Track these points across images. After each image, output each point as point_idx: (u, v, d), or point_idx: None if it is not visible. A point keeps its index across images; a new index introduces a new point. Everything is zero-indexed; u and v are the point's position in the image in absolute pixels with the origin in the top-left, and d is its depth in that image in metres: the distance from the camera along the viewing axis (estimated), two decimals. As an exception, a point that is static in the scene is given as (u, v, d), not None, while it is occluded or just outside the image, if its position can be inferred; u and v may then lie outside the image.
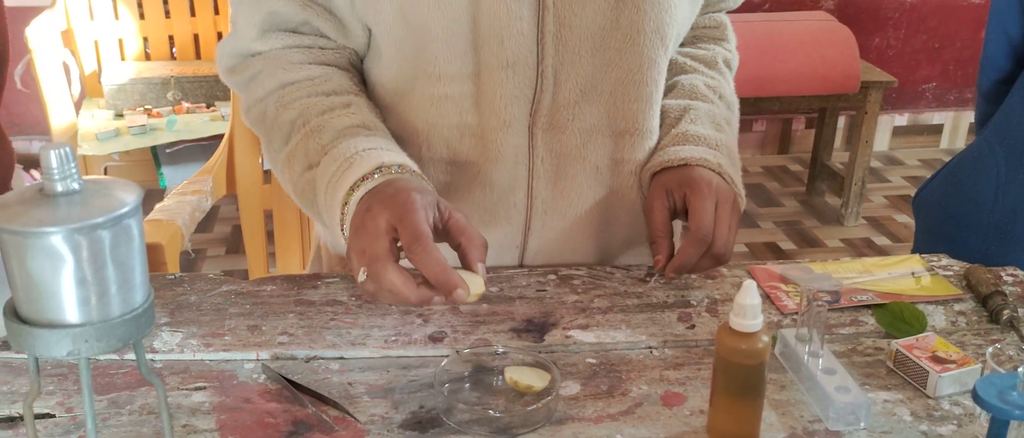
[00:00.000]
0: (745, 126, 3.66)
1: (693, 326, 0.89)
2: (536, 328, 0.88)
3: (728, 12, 1.12)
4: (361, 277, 0.75)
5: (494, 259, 1.00)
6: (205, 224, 3.03)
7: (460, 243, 0.78)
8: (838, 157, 3.51)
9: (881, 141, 3.79)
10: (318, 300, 0.92)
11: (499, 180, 0.95)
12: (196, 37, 3.01)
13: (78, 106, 2.82)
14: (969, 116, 3.81)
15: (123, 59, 2.96)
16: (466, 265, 0.79)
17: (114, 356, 0.82)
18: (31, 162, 2.68)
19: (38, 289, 0.54)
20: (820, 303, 0.78)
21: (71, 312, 0.54)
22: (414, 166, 0.85)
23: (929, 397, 0.79)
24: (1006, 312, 0.89)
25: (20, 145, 3.24)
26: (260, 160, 1.60)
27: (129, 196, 0.55)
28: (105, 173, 2.87)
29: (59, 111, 2.67)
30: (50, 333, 0.54)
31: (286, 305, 0.91)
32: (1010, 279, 0.99)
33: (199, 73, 2.84)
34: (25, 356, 0.61)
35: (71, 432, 0.73)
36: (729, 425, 0.72)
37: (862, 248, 3.03)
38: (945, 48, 3.70)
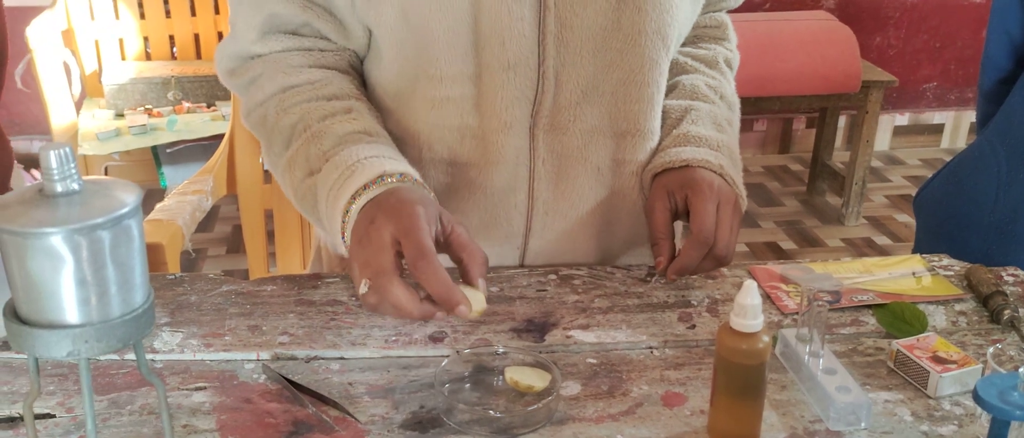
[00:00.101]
0: (746, 126, 3.65)
1: (694, 326, 0.89)
2: (536, 328, 0.88)
3: (729, 11, 1.12)
4: (363, 288, 0.75)
5: (495, 260, 1.00)
6: (206, 224, 3.03)
7: (462, 258, 0.78)
8: (839, 157, 3.51)
9: (882, 141, 3.79)
10: (318, 300, 0.92)
11: (500, 182, 0.95)
12: (197, 37, 3.01)
13: (79, 106, 2.83)
14: (970, 116, 3.81)
15: (124, 59, 2.96)
16: (467, 281, 0.79)
17: (114, 356, 0.82)
18: (32, 162, 2.68)
19: (38, 289, 0.54)
20: (821, 303, 0.78)
21: (71, 313, 0.54)
22: (416, 175, 0.84)
23: (930, 397, 0.79)
24: (1007, 312, 0.89)
25: (21, 145, 3.24)
26: (260, 160, 1.60)
27: (129, 196, 0.55)
28: (106, 173, 2.87)
29: (59, 111, 2.67)
30: (50, 334, 0.54)
31: (286, 305, 0.91)
32: (1011, 279, 0.99)
33: (200, 73, 2.84)
34: (25, 356, 0.61)
35: (71, 432, 0.73)
36: (730, 425, 0.72)
37: (863, 248, 3.03)
38: (946, 48, 3.70)
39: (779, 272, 0.99)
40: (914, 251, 1.15)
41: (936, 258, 1.03)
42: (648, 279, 0.97)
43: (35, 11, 2.75)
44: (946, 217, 1.28)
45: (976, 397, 0.65)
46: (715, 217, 0.90)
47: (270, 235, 1.66)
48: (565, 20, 0.87)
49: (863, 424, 0.74)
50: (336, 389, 0.79)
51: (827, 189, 3.37)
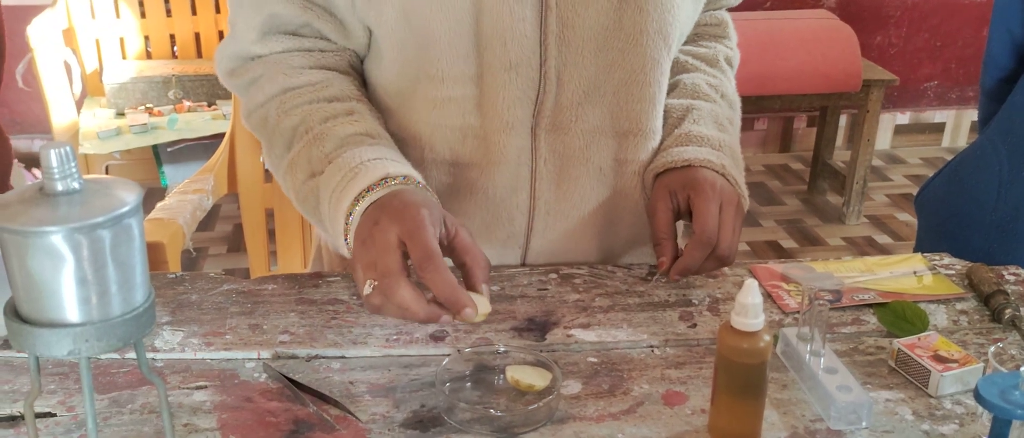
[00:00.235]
0: (746, 124, 3.65)
1: (695, 325, 0.89)
2: (537, 327, 0.88)
3: (729, 9, 1.12)
4: (366, 289, 0.75)
5: (496, 260, 1.00)
6: (206, 223, 3.03)
7: (465, 262, 0.78)
8: (840, 156, 3.50)
9: (883, 139, 3.79)
10: (319, 299, 0.92)
11: (502, 182, 0.95)
12: (197, 36, 3.01)
13: (79, 105, 2.83)
14: (971, 114, 3.81)
15: (124, 58, 2.96)
16: (470, 285, 0.79)
17: (115, 355, 0.82)
18: (33, 160, 2.68)
19: (38, 288, 0.54)
20: (822, 302, 0.78)
21: (72, 311, 0.54)
22: (419, 177, 0.84)
23: (931, 396, 0.79)
24: (1008, 311, 0.89)
25: (22, 143, 3.24)
26: (261, 159, 1.60)
27: (129, 195, 0.55)
28: (106, 172, 2.87)
29: (60, 110, 2.67)
30: (51, 332, 0.54)
31: (287, 304, 0.91)
32: (1012, 278, 0.99)
33: (200, 72, 2.84)
34: (26, 355, 0.61)
35: (72, 431, 0.73)
36: (731, 424, 0.72)
37: (864, 247, 3.03)
38: (947, 46, 3.69)
39: (780, 271, 0.99)
40: (915, 250, 1.15)
41: (937, 257, 1.03)
42: (649, 278, 0.97)
43: (36, 10, 2.75)
44: (948, 216, 1.28)
45: (977, 396, 0.65)
46: (718, 218, 0.90)
47: (271, 234, 1.66)
48: (567, 20, 0.87)
49: (864, 423, 0.74)
50: (337, 388, 0.79)
51: (828, 188, 3.37)
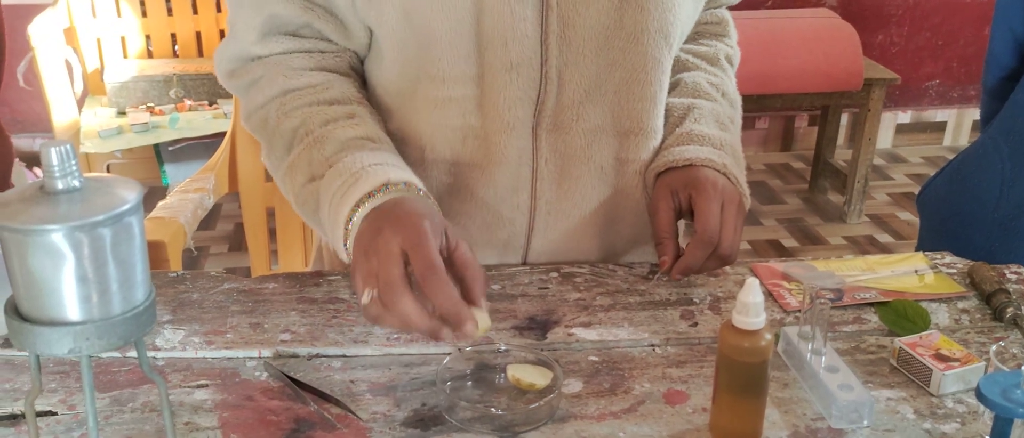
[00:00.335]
0: (748, 123, 3.65)
1: (696, 324, 0.89)
2: (538, 326, 0.88)
3: (729, 8, 1.12)
4: (365, 298, 0.74)
5: (497, 260, 1.00)
6: (208, 222, 3.03)
7: (464, 277, 0.76)
8: (841, 155, 3.50)
9: (884, 138, 3.79)
10: (320, 298, 0.92)
11: (503, 182, 0.94)
12: (198, 34, 3.01)
13: (81, 104, 2.83)
14: (972, 113, 3.80)
15: (125, 57, 2.97)
16: (470, 300, 0.76)
17: (116, 354, 0.82)
18: (34, 159, 2.68)
19: (39, 287, 0.54)
20: (823, 301, 0.77)
21: (72, 310, 0.54)
22: (420, 184, 0.83)
23: (933, 395, 0.78)
24: (1010, 310, 0.89)
25: (23, 142, 3.24)
26: (262, 158, 1.60)
27: (130, 194, 0.55)
28: (108, 171, 2.87)
29: (61, 109, 2.67)
30: (51, 331, 0.54)
31: (288, 303, 0.91)
32: (1014, 277, 0.99)
33: (201, 71, 2.84)
34: (27, 354, 0.61)
35: (73, 430, 0.73)
36: (732, 423, 0.72)
37: (865, 246, 3.03)
38: (948, 45, 3.69)
39: (781, 270, 0.99)
40: (917, 249, 1.15)
41: (939, 256, 1.03)
42: (650, 277, 0.97)
43: (37, 9, 2.75)
44: (950, 215, 1.28)
45: (979, 395, 0.65)
46: (719, 217, 0.90)
47: (272, 233, 1.66)
48: (568, 20, 0.87)
49: (865, 422, 0.74)
50: (338, 387, 0.79)
51: (829, 187, 3.36)
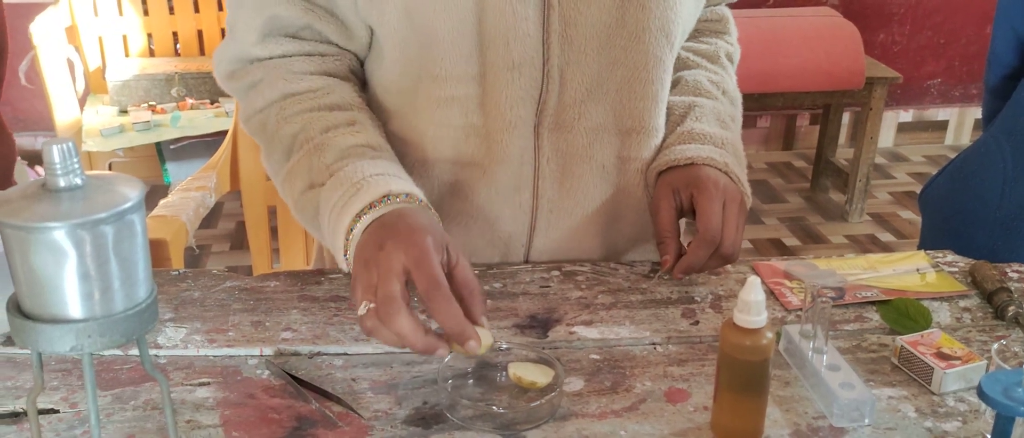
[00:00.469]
0: (749, 122, 3.65)
1: (697, 322, 0.89)
2: (540, 324, 0.88)
3: (730, 5, 1.12)
4: (362, 310, 0.73)
5: (499, 258, 1.00)
6: (209, 220, 3.03)
7: (463, 295, 0.76)
8: (843, 153, 3.50)
9: (886, 137, 3.79)
10: (322, 296, 0.92)
11: (505, 180, 0.94)
12: (200, 33, 3.01)
13: (82, 102, 2.83)
14: (974, 112, 3.80)
15: (127, 55, 2.97)
16: (470, 318, 0.76)
17: (118, 351, 0.82)
18: (36, 158, 2.69)
19: (41, 284, 0.54)
20: (824, 299, 0.77)
21: (74, 307, 0.54)
22: (421, 195, 0.83)
23: (934, 393, 0.78)
24: (1011, 308, 0.89)
25: (25, 141, 3.24)
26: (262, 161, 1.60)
27: (132, 191, 0.55)
28: (109, 169, 2.88)
29: (63, 107, 2.68)
30: (53, 328, 0.54)
31: (290, 301, 0.91)
32: (1015, 275, 0.99)
33: (203, 69, 2.84)
34: (28, 351, 0.61)
35: (75, 427, 0.73)
36: (733, 421, 0.72)
37: (867, 244, 3.03)
38: (950, 44, 3.69)
39: (783, 268, 0.99)
40: (919, 247, 1.15)
41: (940, 254, 1.03)
42: (651, 275, 0.97)
43: (39, 7, 2.75)
44: (952, 213, 1.27)
45: (980, 393, 0.65)
46: (721, 216, 0.90)
47: (274, 231, 1.67)
48: (569, 18, 0.87)
49: (867, 420, 0.74)
50: (339, 385, 0.79)
51: (831, 186, 3.36)
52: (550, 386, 0.76)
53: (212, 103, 2.83)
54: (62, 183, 0.54)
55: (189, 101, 2.81)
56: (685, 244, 0.93)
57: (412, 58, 0.90)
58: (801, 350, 0.80)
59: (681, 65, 1.04)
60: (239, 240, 2.96)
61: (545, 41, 0.87)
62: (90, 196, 0.54)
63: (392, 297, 0.72)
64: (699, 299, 0.93)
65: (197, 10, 2.97)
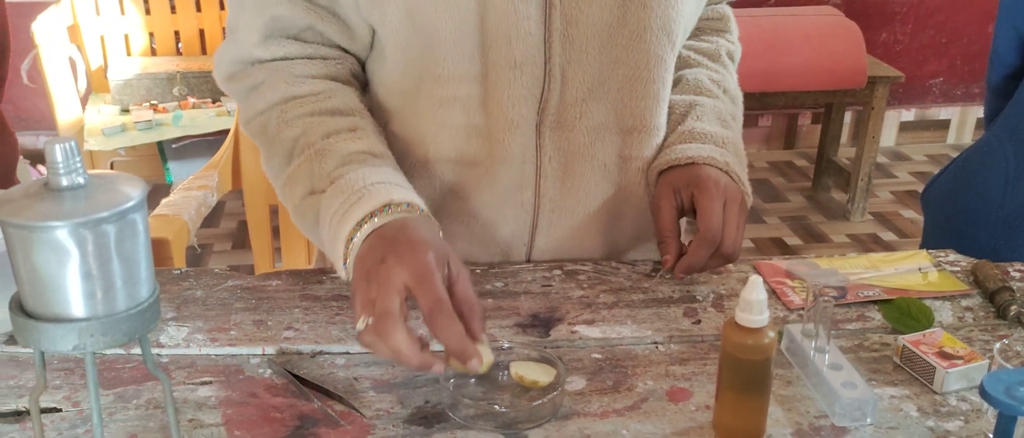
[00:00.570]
0: (751, 121, 3.65)
1: (699, 321, 0.89)
2: (541, 323, 0.88)
3: (732, 4, 1.12)
4: (360, 325, 0.73)
5: (501, 257, 1.00)
6: (211, 219, 3.03)
7: (462, 312, 0.75)
8: (844, 152, 3.50)
9: (888, 136, 3.78)
10: (324, 295, 0.92)
11: (507, 179, 0.94)
12: (202, 32, 3.01)
13: (84, 101, 2.83)
14: (976, 111, 3.80)
15: (129, 54, 2.97)
16: (469, 335, 0.75)
17: (120, 350, 0.82)
18: (37, 157, 2.69)
19: (44, 283, 0.54)
20: (826, 298, 0.77)
21: (77, 306, 0.54)
22: (422, 205, 0.82)
23: (936, 393, 0.78)
24: (1014, 308, 0.89)
25: (27, 140, 3.24)
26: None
27: (134, 190, 0.55)
28: (111, 168, 2.88)
29: (65, 106, 2.68)
30: (56, 327, 0.54)
31: (292, 300, 0.91)
32: (1018, 275, 0.99)
33: (205, 68, 2.84)
34: (31, 350, 0.62)
35: (77, 426, 0.73)
36: (735, 421, 0.72)
37: (868, 244, 3.03)
38: (952, 43, 3.68)
39: (785, 267, 0.99)
40: (922, 247, 1.15)
41: (942, 254, 1.03)
42: (653, 274, 0.97)
43: (41, 6, 2.75)
44: (954, 213, 1.27)
45: (983, 393, 0.65)
46: (722, 215, 0.90)
47: (275, 230, 1.67)
48: (571, 17, 0.87)
49: (869, 420, 0.74)
50: (341, 384, 0.79)
51: (832, 185, 3.36)
52: (552, 385, 0.76)
53: (214, 102, 2.83)
54: (64, 182, 0.54)
55: (191, 100, 2.81)
56: (686, 243, 0.93)
57: (414, 58, 0.89)
58: (803, 349, 0.80)
59: (682, 63, 1.04)
60: (241, 239, 2.96)
61: (547, 40, 0.87)
62: (92, 195, 0.54)
63: (390, 313, 0.72)
64: (701, 298, 0.93)
65: (199, 9, 2.97)
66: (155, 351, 0.83)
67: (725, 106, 1.02)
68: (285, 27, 0.91)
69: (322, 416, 0.75)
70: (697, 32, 1.08)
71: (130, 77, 2.78)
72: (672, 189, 0.93)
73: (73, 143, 0.54)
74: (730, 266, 0.98)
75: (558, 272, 0.97)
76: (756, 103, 2.94)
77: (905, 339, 0.82)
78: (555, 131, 0.93)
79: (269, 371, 0.81)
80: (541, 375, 0.77)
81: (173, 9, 2.96)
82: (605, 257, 1.03)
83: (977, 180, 1.23)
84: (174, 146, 2.89)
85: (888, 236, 3.08)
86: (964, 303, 0.93)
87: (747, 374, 0.70)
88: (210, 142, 2.79)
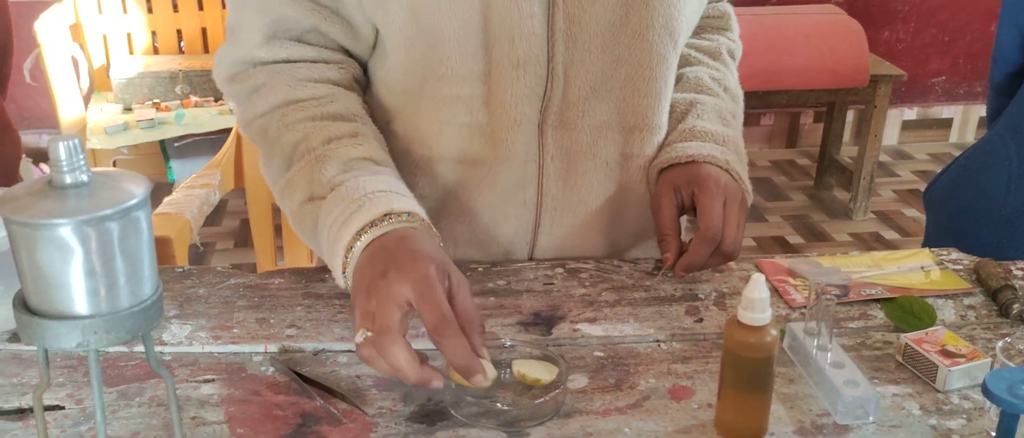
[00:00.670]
0: (753, 120, 3.65)
1: (701, 319, 0.89)
2: (544, 321, 0.88)
3: (732, 1, 1.12)
4: (359, 338, 0.72)
5: (503, 255, 1.00)
6: (213, 218, 3.04)
7: (462, 326, 0.74)
8: (847, 151, 3.49)
9: (890, 135, 3.78)
10: (326, 293, 0.92)
11: (509, 178, 0.94)
12: (204, 31, 3.01)
13: (87, 100, 2.83)
14: (979, 110, 3.79)
15: (131, 53, 2.97)
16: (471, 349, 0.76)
17: (123, 348, 0.82)
18: (40, 155, 2.70)
19: (47, 281, 0.54)
20: (828, 297, 0.77)
21: (80, 304, 0.55)
22: (423, 214, 0.82)
23: (938, 391, 0.78)
24: (1016, 306, 0.89)
25: (29, 139, 3.25)
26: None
27: (137, 188, 0.55)
28: (114, 167, 2.88)
29: (68, 105, 2.68)
30: (59, 325, 0.55)
31: (294, 298, 0.92)
32: (1020, 273, 0.99)
33: (207, 67, 2.84)
34: (35, 348, 0.62)
35: (81, 424, 0.73)
36: (737, 419, 0.72)
37: (871, 242, 3.02)
38: (955, 42, 3.68)
39: (787, 266, 0.99)
40: (924, 245, 1.15)
41: (945, 252, 1.03)
42: (655, 272, 0.97)
43: (43, 5, 2.75)
44: (956, 211, 1.27)
45: (985, 391, 0.65)
46: (722, 214, 0.90)
47: (277, 229, 1.67)
48: (574, 17, 0.87)
49: (871, 418, 0.74)
50: (344, 382, 0.79)
51: (835, 184, 3.36)
52: (554, 383, 0.76)
53: (216, 101, 2.83)
54: (68, 180, 0.54)
55: (193, 99, 2.81)
56: (686, 242, 0.93)
57: (417, 57, 0.89)
58: (805, 347, 0.80)
59: (683, 61, 1.04)
60: (243, 238, 2.96)
61: (550, 39, 0.87)
62: (96, 193, 0.54)
63: (389, 328, 0.71)
64: (703, 296, 0.93)
65: (201, 8, 2.97)
66: (158, 349, 0.83)
67: (726, 104, 1.02)
68: (289, 28, 0.90)
69: (324, 414, 0.75)
70: (698, 30, 1.08)
71: (132, 76, 2.79)
72: (672, 187, 0.93)
73: (77, 141, 0.54)
74: (732, 264, 0.98)
75: (560, 270, 0.97)
76: (758, 102, 2.95)
77: (907, 337, 0.82)
78: (557, 130, 0.93)
79: (271, 369, 0.81)
80: (543, 373, 0.77)
81: (175, 8, 2.96)
82: (607, 255, 1.03)
83: (980, 178, 1.23)
84: (176, 145, 2.89)
85: (890, 235, 3.08)
86: (966, 301, 0.93)
87: (749, 372, 0.70)
88: (212, 141, 2.79)
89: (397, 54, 0.91)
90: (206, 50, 3.02)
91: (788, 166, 3.60)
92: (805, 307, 0.91)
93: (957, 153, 1.41)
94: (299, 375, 0.79)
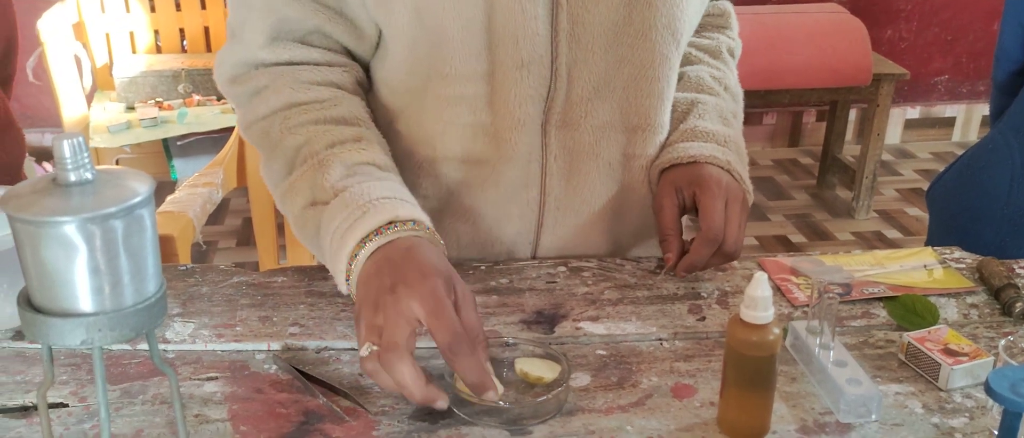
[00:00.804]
0: (755, 119, 3.64)
1: (703, 318, 0.89)
2: (546, 320, 0.88)
3: (736, 2, 1.12)
4: (364, 352, 0.72)
5: (506, 255, 1.00)
6: (216, 216, 3.04)
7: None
8: (849, 150, 3.49)
9: (893, 134, 3.78)
10: (328, 291, 0.92)
11: (512, 178, 0.94)
12: (207, 30, 3.01)
13: (89, 99, 2.84)
14: (981, 109, 3.79)
15: (134, 52, 2.97)
16: None
17: (127, 346, 0.83)
18: (43, 154, 2.69)
19: (51, 278, 0.54)
20: (831, 295, 0.77)
21: (84, 301, 0.55)
22: (427, 221, 0.82)
23: (941, 390, 0.78)
24: (1019, 305, 0.89)
25: (32, 137, 3.25)
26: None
27: (141, 186, 0.56)
28: (117, 165, 2.88)
29: (71, 103, 2.68)
30: (64, 322, 0.55)
31: (297, 296, 0.92)
32: (1023, 271, 0.98)
33: (210, 66, 2.83)
34: (39, 345, 0.62)
35: (84, 421, 0.73)
36: (739, 417, 0.72)
37: (873, 241, 3.02)
38: (958, 40, 3.68)
39: (789, 264, 0.99)
40: (927, 244, 1.15)
41: (948, 251, 1.03)
42: (658, 271, 0.97)
43: (46, 4, 2.76)
44: (959, 210, 1.27)
45: (988, 389, 0.65)
46: (723, 214, 0.90)
47: (280, 228, 1.67)
48: (577, 17, 0.87)
49: (874, 416, 0.74)
50: (346, 380, 0.79)
51: (837, 182, 3.36)
52: (556, 381, 0.76)
53: (219, 100, 2.84)
54: (72, 177, 0.54)
55: (196, 97, 2.82)
56: (688, 242, 0.93)
57: (421, 57, 0.89)
58: (808, 346, 0.80)
59: (683, 61, 1.04)
60: (246, 236, 2.96)
61: (553, 39, 0.87)
62: (100, 191, 0.54)
63: (397, 344, 0.70)
64: (706, 295, 0.93)
65: (204, 7, 2.98)
66: (161, 347, 0.83)
67: (726, 104, 1.02)
68: (292, 29, 0.90)
69: (327, 412, 0.75)
70: (698, 28, 1.08)
71: (135, 74, 2.79)
72: (674, 188, 0.93)
73: (81, 139, 0.54)
74: (735, 263, 0.98)
75: (563, 269, 0.97)
76: (761, 101, 2.94)
77: (910, 336, 0.82)
78: (561, 130, 0.93)
79: (274, 367, 0.81)
80: (546, 371, 0.77)
81: (178, 7, 2.96)
82: (609, 254, 1.03)
83: (983, 177, 1.23)
84: (179, 143, 2.90)
85: (893, 234, 3.08)
86: (969, 300, 0.93)
87: (752, 370, 0.70)
88: (215, 139, 2.79)
89: (401, 54, 0.91)
90: (209, 49, 3.02)
91: (790, 165, 3.60)
92: (808, 306, 0.91)
93: (960, 152, 1.41)
94: (302, 373, 0.79)
